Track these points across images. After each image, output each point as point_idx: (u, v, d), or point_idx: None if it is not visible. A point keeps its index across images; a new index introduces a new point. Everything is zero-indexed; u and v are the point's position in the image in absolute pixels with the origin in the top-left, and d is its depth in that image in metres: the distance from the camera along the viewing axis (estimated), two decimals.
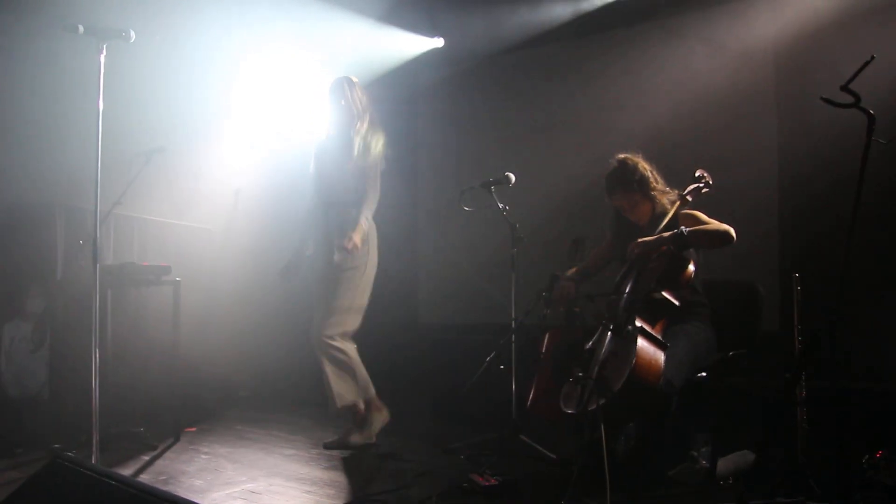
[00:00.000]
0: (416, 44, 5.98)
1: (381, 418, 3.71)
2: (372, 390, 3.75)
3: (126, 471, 3.34)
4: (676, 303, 2.89)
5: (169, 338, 4.08)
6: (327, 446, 3.81)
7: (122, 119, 3.82)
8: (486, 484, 2.88)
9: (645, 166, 3.18)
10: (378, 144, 3.78)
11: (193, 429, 4.26)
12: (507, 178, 3.79)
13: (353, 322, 3.75)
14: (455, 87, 6.20)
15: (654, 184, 3.17)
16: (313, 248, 3.88)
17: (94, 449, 3.05)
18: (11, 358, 4.27)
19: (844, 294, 2.33)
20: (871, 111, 2.33)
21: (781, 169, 4.50)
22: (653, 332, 2.80)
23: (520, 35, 5.58)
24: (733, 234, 2.92)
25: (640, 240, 3.00)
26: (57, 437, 3.75)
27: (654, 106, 4.92)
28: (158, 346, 4.47)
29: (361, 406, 3.75)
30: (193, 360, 4.59)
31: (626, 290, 2.96)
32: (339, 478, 3.26)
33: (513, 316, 3.82)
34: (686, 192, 3.16)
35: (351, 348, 3.74)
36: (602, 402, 2.54)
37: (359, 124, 3.76)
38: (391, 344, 5.18)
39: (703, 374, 3.08)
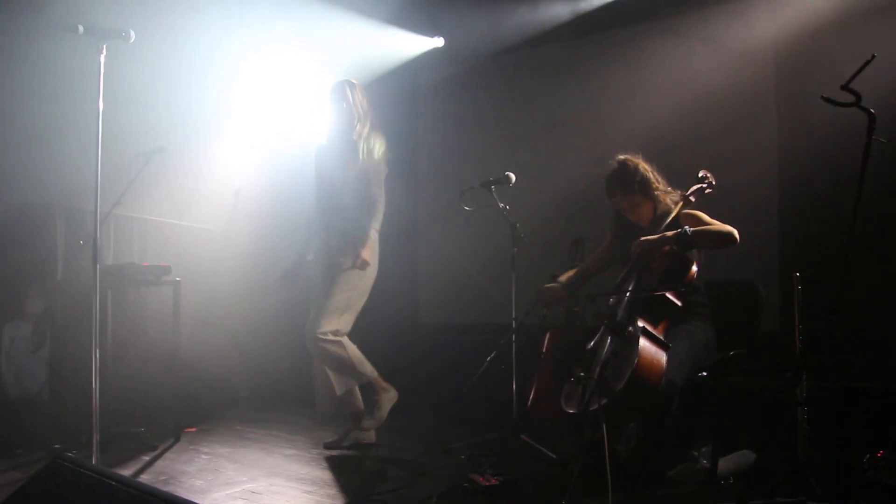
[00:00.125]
0: (417, 43, 5.98)
1: (388, 398, 3.68)
2: (374, 372, 3.73)
3: (126, 471, 3.34)
4: (679, 303, 2.89)
5: (169, 338, 4.08)
6: (328, 446, 3.81)
7: (122, 119, 3.82)
8: (487, 484, 2.88)
9: (645, 167, 3.17)
10: (380, 148, 3.78)
11: (194, 429, 4.26)
12: (508, 177, 3.79)
13: (347, 322, 3.74)
14: (455, 87, 6.20)
15: (655, 184, 3.16)
16: (314, 254, 3.87)
17: (94, 449, 3.05)
18: (11, 358, 4.27)
19: (844, 294, 2.33)
20: (872, 110, 2.33)
21: (782, 168, 4.50)
22: (655, 333, 2.79)
23: (520, 35, 5.58)
24: (737, 235, 2.92)
25: (642, 238, 3.00)
26: (57, 437, 3.75)
27: (655, 106, 4.92)
28: (158, 346, 4.47)
29: (360, 403, 3.75)
30: (194, 360, 4.59)
31: (628, 290, 2.96)
32: (340, 478, 3.26)
33: (513, 316, 3.82)
34: (689, 192, 3.15)
35: (345, 339, 3.73)
36: (603, 402, 2.54)
37: (359, 127, 3.75)
38: (391, 344, 5.18)
39: (704, 373, 3.08)
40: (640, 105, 5.04)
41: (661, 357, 2.70)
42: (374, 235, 3.75)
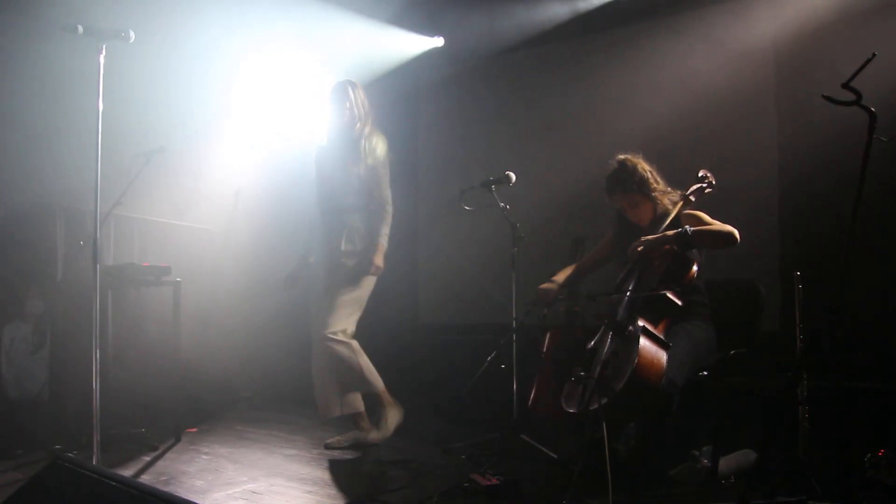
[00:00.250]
0: (416, 43, 5.98)
1: (395, 415, 3.68)
2: (381, 384, 3.73)
3: (127, 471, 3.34)
4: (679, 302, 2.89)
5: (169, 338, 4.08)
6: (328, 446, 3.81)
7: (122, 119, 3.82)
8: (488, 483, 2.88)
9: (645, 167, 3.17)
10: (382, 147, 3.78)
11: (194, 429, 4.26)
12: (508, 177, 3.78)
13: (353, 321, 3.75)
14: (455, 87, 6.19)
15: (655, 184, 3.16)
16: (317, 252, 3.87)
17: (94, 450, 3.04)
18: (11, 359, 4.27)
19: (845, 293, 2.33)
20: (873, 109, 2.33)
21: (782, 168, 4.50)
22: (655, 332, 2.79)
23: (520, 34, 5.58)
24: (737, 235, 2.92)
25: (643, 238, 3.00)
26: (57, 438, 3.75)
27: (655, 105, 4.92)
28: (159, 346, 4.47)
29: (361, 405, 3.75)
30: (194, 360, 4.59)
31: (629, 290, 2.96)
32: (341, 478, 3.26)
33: (513, 316, 3.82)
34: (689, 192, 3.15)
35: (355, 343, 3.73)
36: (604, 401, 2.54)
37: (359, 126, 3.75)
38: (391, 344, 5.18)
39: (705, 373, 3.07)
40: (640, 105, 5.04)
41: (662, 356, 2.70)
42: (384, 243, 3.75)
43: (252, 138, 5.87)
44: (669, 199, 3.15)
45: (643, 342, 2.69)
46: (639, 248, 2.98)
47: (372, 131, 3.78)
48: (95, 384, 3.05)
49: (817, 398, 2.93)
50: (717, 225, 2.99)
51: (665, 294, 2.86)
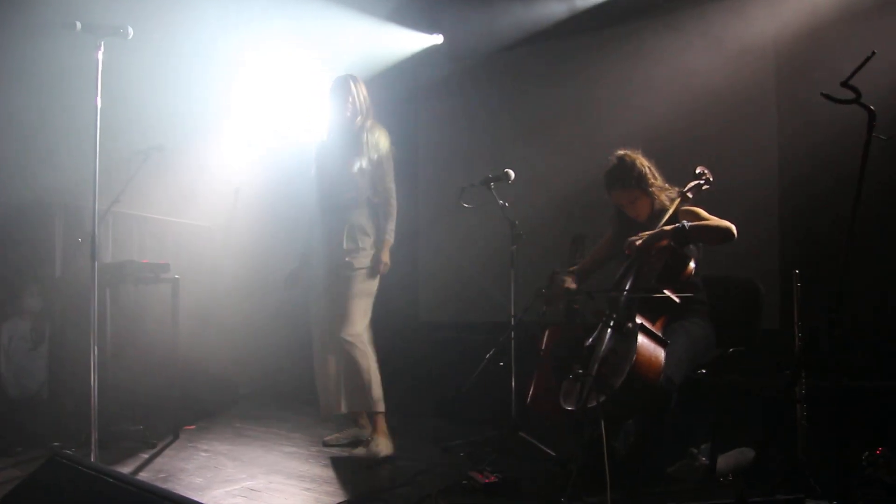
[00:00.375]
0: (416, 41, 5.97)
1: (385, 447, 3.57)
2: (382, 405, 3.65)
3: (125, 469, 3.34)
4: (677, 299, 2.88)
5: (168, 336, 4.08)
6: (327, 443, 3.81)
7: (121, 117, 3.82)
8: (486, 481, 2.88)
9: (643, 162, 3.17)
10: (385, 141, 3.76)
11: (193, 426, 4.26)
12: (507, 174, 3.78)
13: (368, 321, 3.72)
14: (455, 85, 6.19)
15: (653, 180, 3.16)
16: (317, 251, 3.84)
17: (93, 447, 3.04)
18: (10, 357, 4.27)
19: (844, 291, 2.33)
20: (872, 107, 2.33)
21: (781, 166, 4.50)
22: (653, 329, 2.79)
23: (519, 32, 5.57)
24: (734, 230, 2.92)
25: (640, 234, 3.00)
26: (56, 435, 3.75)
27: (654, 103, 4.92)
28: (157, 344, 4.47)
29: (368, 425, 3.73)
30: (193, 358, 4.58)
31: (627, 287, 2.96)
32: (339, 475, 3.26)
33: (512, 313, 3.82)
34: (686, 188, 3.16)
35: (371, 353, 3.68)
36: (602, 399, 2.54)
37: (360, 119, 3.73)
38: (391, 342, 5.17)
39: (703, 370, 3.07)
40: (640, 103, 5.03)
41: (660, 354, 2.70)
42: (391, 239, 3.74)
43: (251, 136, 5.87)
44: (667, 196, 3.16)
45: (641, 339, 2.69)
46: (636, 242, 2.98)
47: (374, 125, 3.76)
48: (94, 381, 3.05)
49: (816, 396, 2.93)
50: (715, 220, 2.99)
51: (663, 291, 2.86)
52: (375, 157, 3.72)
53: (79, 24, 2.95)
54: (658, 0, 4.94)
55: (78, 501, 2.04)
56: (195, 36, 4.94)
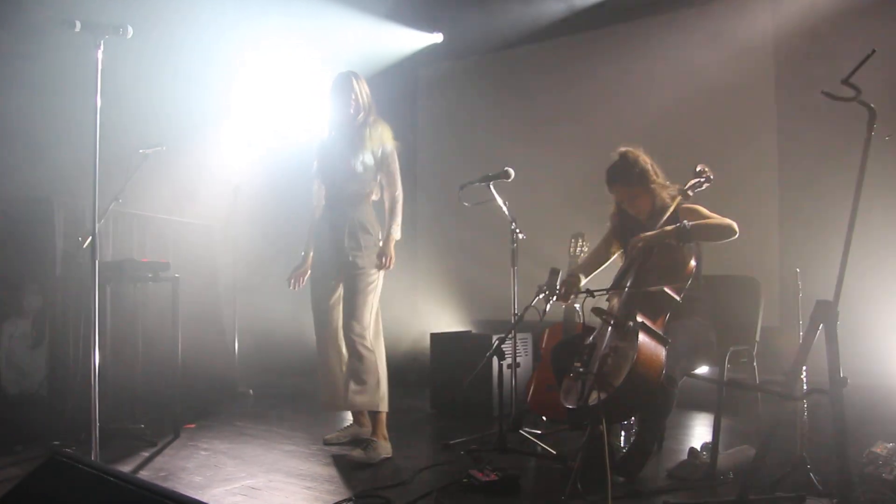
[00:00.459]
0: (416, 39, 5.97)
1: (384, 449, 3.56)
2: (386, 405, 3.64)
3: (125, 467, 3.34)
4: (678, 298, 2.89)
5: (168, 334, 4.07)
6: (327, 442, 3.81)
7: (121, 115, 3.81)
8: (487, 479, 2.88)
9: (646, 159, 3.17)
10: (388, 134, 3.75)
11: (193, 425, 4.25)
12: (507, 172, 3.77)
13: (378, 319, 3.71)
14: (454, 83, 6.19)
15: (654, 177, 3.16)
16: (320, 247, 3.82)
17: (93, 445, 3.04)
18: (10, 355, 4.27)
19: (844, 288, 2.33)
20: (872, 105, 2.32)
21: (782, 163, 4.50)
22: (654, 328, 2.79)
23: (519, 30, 5.57)
24: (736, 228, 2.92)
25: (642, 234, 3.00)
26: (56, 433, 3.75)
27: (654, 100, 4.92)
28: (158, 342, 4.47)
29: (368, 424, 3.73)
30: (193, 356, 4.58)
31: (628, 285, 2.96)
32: (339, 474, 3.26)
33: (513, 311, 3.81)
34: (687, 186, 3.15)
35: (383, 356, 3.68)
36: (603, 397, 2.54)
37: (363, 115, 3.71)
38: (390, 340, 5.17)
39: (704, 368, 3.07)
40: (639, 100, 5.04)
41: (661, 352, 2.70)
42: (397, 234, 3.73)
43: (250, 135, 5.87)
44: (668, 193, 3.15)
45: (642, 338, 2.69)
46: (638, 245, 2.98)
47: (376, 120, 3.75)
48: (94, 380, 3.05)
49: (817, 394, 2.93)
50: (716, 218, 2.99)
51: (664, 289, 2.86)
52: (380, 152, 3.71)
53: (78, 24, 2.94)
54: None
55: (78, 500, 2.03)
56: (195, 35, 4.94)
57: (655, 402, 2.76)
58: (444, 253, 6.15)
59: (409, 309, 6.17)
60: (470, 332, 5.42)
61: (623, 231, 3.29)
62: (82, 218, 4.27)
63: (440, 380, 4.71)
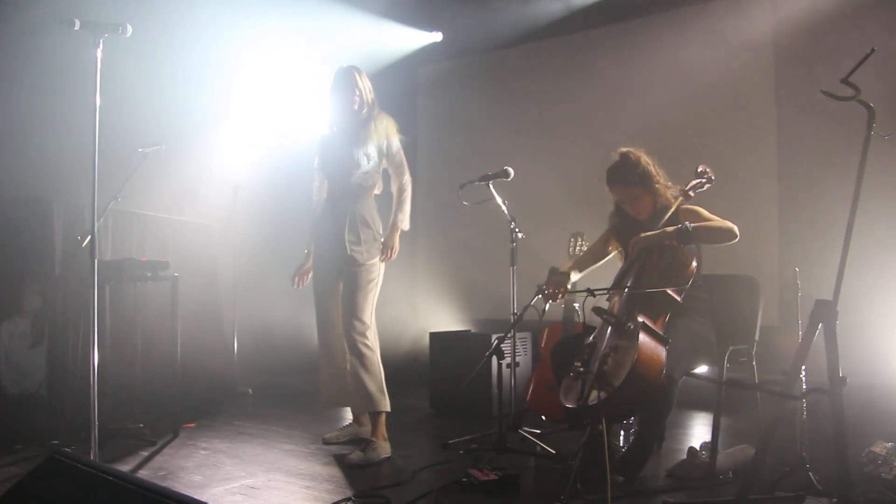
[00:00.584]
0: (415, 38, 5.97)
1: (384, 449, 3.54)
2: (388, 405, 3.62)
3: (125, 466, 3.34)
4: (678, 298, 2.89)
5: (168, 334, 4.07)
6: (327, 441, 3.81)
7: (120, 114, 3.81)
8: (486, 479, 2.88)
9: (647, 160, 3.17)
10: (393, 126, 3.75)
11: (192, 424, 4.25)
12: (506, 172, 3.77)
13: (372, 324, 3.70)
14: (454, 82, 6.19)
15: (656, 178, 3.15)
16: (322, 243, 3.80)
17: (92, 445, 3.04)
18: (10, 354, 4.26)
19: (844, 287, 2.33)
20: (872, 104, 2.32)
21: (781, 162, 4.50)
22: (654, 328, 2.79)
23: (519, 29, 5.57)
24: (737, 231, 2.91)
25: (642, 235, 3.00)
26: (55, 433, 3.75)
27: (653, 100, 4.92)
28: (157, 342, 4.46)
29: (368, 423, 3.72)
30: (192, 356, 4.58)
31: (628, 285, 2.95)
32: (339, 473, 3.26)
33: (512, 311, 3.81)
34: (688, 187, 3.15)
35: (377, 357, 3.65)
36: (603, 396, 2.53)
37: (366, 110, 3.71)
38: (390, 339, 5.18)
39: (704, 368, 3.07)
40: (638, 99, 5.03)
41: (661, 352, 2.70)
42: (401, 222, 3.72)
43: (250, 135, 5.87)
44: (670, 194, 3.15)
45: (642, 338, 2.69)
46: (639, 245, 2.98)
47: (380, 114, 3.74)
48: (93, 379, 3.04)
49: (816, 393, 2.92)
50: (717, 221, 2.99)
51: (664, 290, 2.86)
52: (385, 144, 3.71)
53: (77, 22, 2.94)
54: None
55: (77, 499, 2.03)
56: (194, 34, 4.93)
57: (655, 401, 2.76)
58: (444, 252, 6.14)
59: (409, 308, 6.17)
60: (469, 331, 5.42)
61: (623, 231, 3.28)
62: (82, 217, 4.27)
63: (439, 379, 4.71)
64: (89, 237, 3.09)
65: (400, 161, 3.77)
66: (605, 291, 3.00)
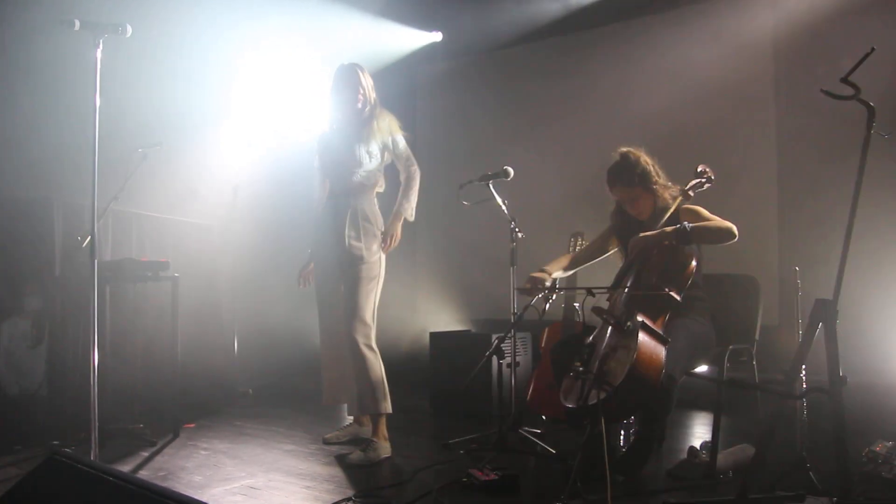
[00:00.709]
0: (414, 38, 5.97)
1: (384, 449, 3.54)
2: (389, 407, 3.60)
3: (125, 467, 3.34)
4: (678, 297, 2.89)
5: (167, 334, 4.07)
6: (327, 441, 3.81)
7: (120, 114, 3.81)
8: (486, 478, 2.88)
9: (647, 160, 3.17)
10: (395, 123, 3.74)
11: (192, 425, 4.25)
12: (506, 171, 3.77)
13: (373, 324, 3.68)
14: (454, 82, 6.19)
15: (656, 178, 3.15)
16: (323, 242, 3.79)
17: (92, 445, 3.04)
18: (10, 355, 4.26)
19: (843, 286, 2.33)
20: (872, 103, 2.32)
21: (781, 161, 4.50)
22: (654, 327, 2.79)
23: (518, 29, 5.57)
24: (736, 231, 2.91)
25: (641, 234, 2.99)
26: (55, 433, 3.75)
27: (652, 100, 4.92)
28: (157, 342, 4.46)
29: (369, 424, 3.72)
30: (192, 356, 4.58)
31: (628, 285, 2.95)
32: (339, 473, 3.26)
33: (512, 311, 3.81)
34: (688, 187, 3.15)
35: (379, 358, 3.63)
36: (603, 396, 2.53)
37: (369, 108, 3.70)
38: (390, 339, 5.19)
39: (703, 367, 3.07)
40: (638, 99, 5.03)
41: (661, 352, 2.70)
42: (405, 210, 3.71)
43: (250, 135, 5.87)
44: (669, 194, 3.15)
45: (642, 337, 2.69)
46: (638, 245, 2.98)
47: (382, 111, 3.73)
48: (93, 380, 3.04)
49: (816, 392, 2.93)
50: (717, 221, 2.99)
51: (664, 289, 2.86)
52: (391, 142, 3.70)
53: (77, 23, 2.94)
54: None
55: (77, 500, 2.03)
56: (194, 34, 4.93)
57: (655, 401, 2.76)
58: (444, 252, 6.14)
59: (409, 308, 6.17)
60: (469, 331, 5.42)
61: (623, 230, 3.28)
62: (82, 217, 4.27)
63: (440, 379, 4.71)
64: (89, 237, 3.09)
65: (408, 156, 3.78)
66: (605, 291, 3.00)
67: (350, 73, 3.69)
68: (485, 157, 5.49)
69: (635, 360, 2.61)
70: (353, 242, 3.60)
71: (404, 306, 6.00)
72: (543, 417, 4.14)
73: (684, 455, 3.12)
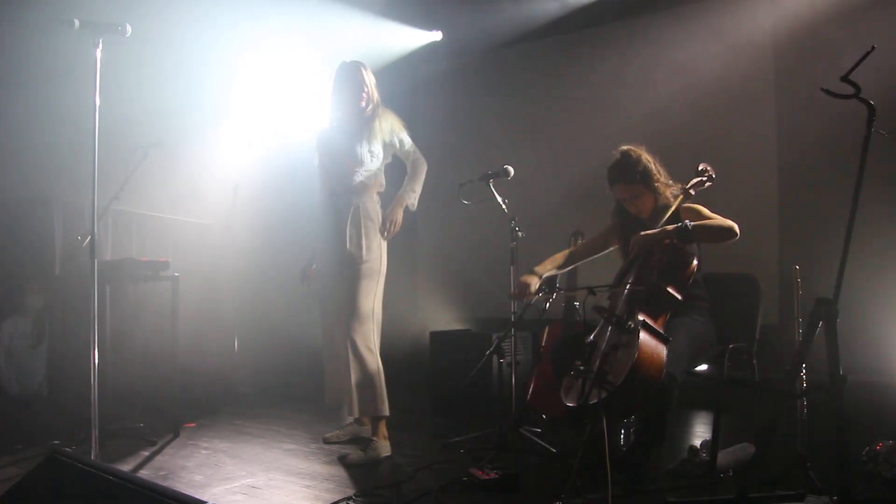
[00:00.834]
0: (414, 37, 5.96)
1: (384, 448, 3.53)
2: (387, 410, 3.60)
3: (125, 466, 3.34)
4: (679, 296, 2.88)
5: (168, 333, 4.07)
6: (327, 441, 3.81)
7: (120, 114, 3.81)
8: (486, 478, 2.88)
9: (648, 158, 3.17)
10: (397, 121, 3.73)
11: (193, 424, 4.26)
12: (506, 171, 3.77)
13: (378, 321, 3.67)
14: (454, 81, 6.18)
15: (657, 176, 3.15)
16: (324, 240, 3.78)
17: (93, 444, 3.04)
18: (11, 355, 4.27)
19: (844, 285, 2.33)
20: (872, 102, 2.32)
21: (781, 161, 4.50)
22: (655, 326, 2.79)
23: (519, 28, 5.56)
24: (737, 229, 2.91)
25: (642, 233, 2.99)
26: (56, 433, 3.75)
27: (652, 98, 4.91)
28: (157, 341, 4.47)
29: (369, 423, 3.72)
30: (192, 355, 4.59)
31: (629, 284, 2.95)
32: (339, 472, 3.26)
33: (513, 310, 3.81)
34: (689, 185, 3.14)
35: (377, 359, 3.62)
36: (603, 395, 2.53)
37: (371, 107, 3.68)
38: (390, 338, 5.18)
39: (704, 366, 3.07)
40: (638, 98, 5.03)
41: (662, 351, 2.69)
42: (408, 197, 3.69)
43: (250, 134, 5.87)
44: (670, 192, 3.15)
45: (643, 336, 2.69)
46: (639, 244, 2.98)
47: (384, 110, 3.72)
48: (94, 379, 3.04)
49: (816, 391, 2.93)
50: (718, 219, 2.99)
51: (665, 288, 2.86)
52: (397, 141, 3.68)
53: (77, 22, 2.94)
54: None
55: (77, 499, 2.03)
56: (194, 33, 4.93)
57: (656, 400, 2.76)
58: (444, 251, 6.14)
59: (409, 307, 6.17)
60: (470, 330, 5.42)
61: (623, 229, 3.28)
62: (82, 217, 4.27)
63: (440, 378, 4.71)
64: (89, 237, 3.09)
65: (413, 150, 3.78)
66: (606, 289, 3.00)
67: (353, 71, 3.66)
68: (485, 156, 5.49)
69: (636, 360, 2.61)
70: (354, 242, 3.59)
71: (405, 305, 6.00)
72: (544, 416, 4.14)
73: (684, 454, 3.12)
